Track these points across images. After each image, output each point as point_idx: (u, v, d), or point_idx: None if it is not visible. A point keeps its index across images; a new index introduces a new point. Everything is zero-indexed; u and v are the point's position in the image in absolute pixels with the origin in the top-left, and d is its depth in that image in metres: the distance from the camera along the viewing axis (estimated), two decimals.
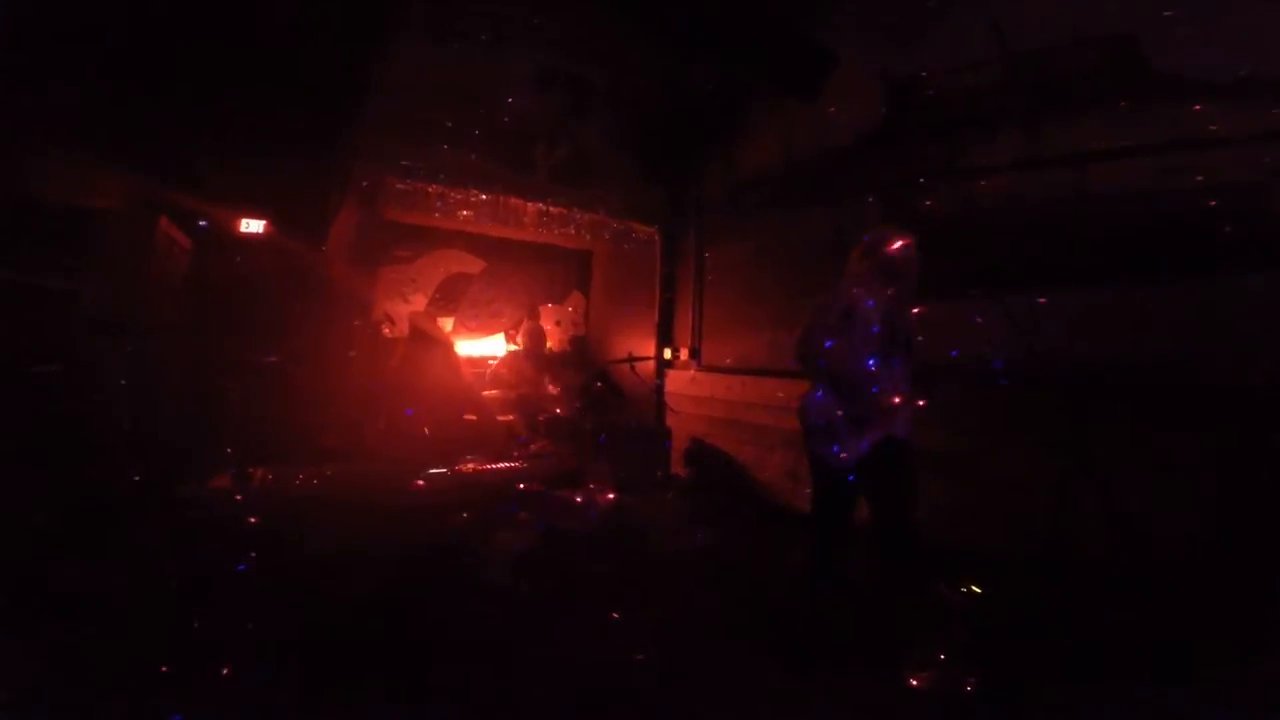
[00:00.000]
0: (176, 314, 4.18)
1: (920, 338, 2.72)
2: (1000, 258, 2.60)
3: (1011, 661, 2.46)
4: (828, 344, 2.70)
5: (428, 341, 5.38)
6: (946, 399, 2.68)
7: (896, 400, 2.59)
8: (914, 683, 2.41)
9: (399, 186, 5.24)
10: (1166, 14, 3.11)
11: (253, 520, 3.27)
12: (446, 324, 6.73)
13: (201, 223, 4.43)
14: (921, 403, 2.59)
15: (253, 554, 3.04)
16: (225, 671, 2.25)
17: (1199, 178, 2.99)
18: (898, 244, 2.65)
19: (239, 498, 3.51)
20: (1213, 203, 2.92)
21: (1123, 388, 2.91)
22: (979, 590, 3.01)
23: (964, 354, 2.86)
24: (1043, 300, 2.55)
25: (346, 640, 2.57)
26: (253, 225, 4.59)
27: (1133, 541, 2.61)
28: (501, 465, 4.61)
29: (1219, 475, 2.62)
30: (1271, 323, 2.20)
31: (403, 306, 6.25)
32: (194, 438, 3.74)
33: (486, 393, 5.99)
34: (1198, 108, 3.02)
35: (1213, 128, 2.98)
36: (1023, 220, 3.56)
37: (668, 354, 6.47)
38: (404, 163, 5.13)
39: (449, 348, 5.58)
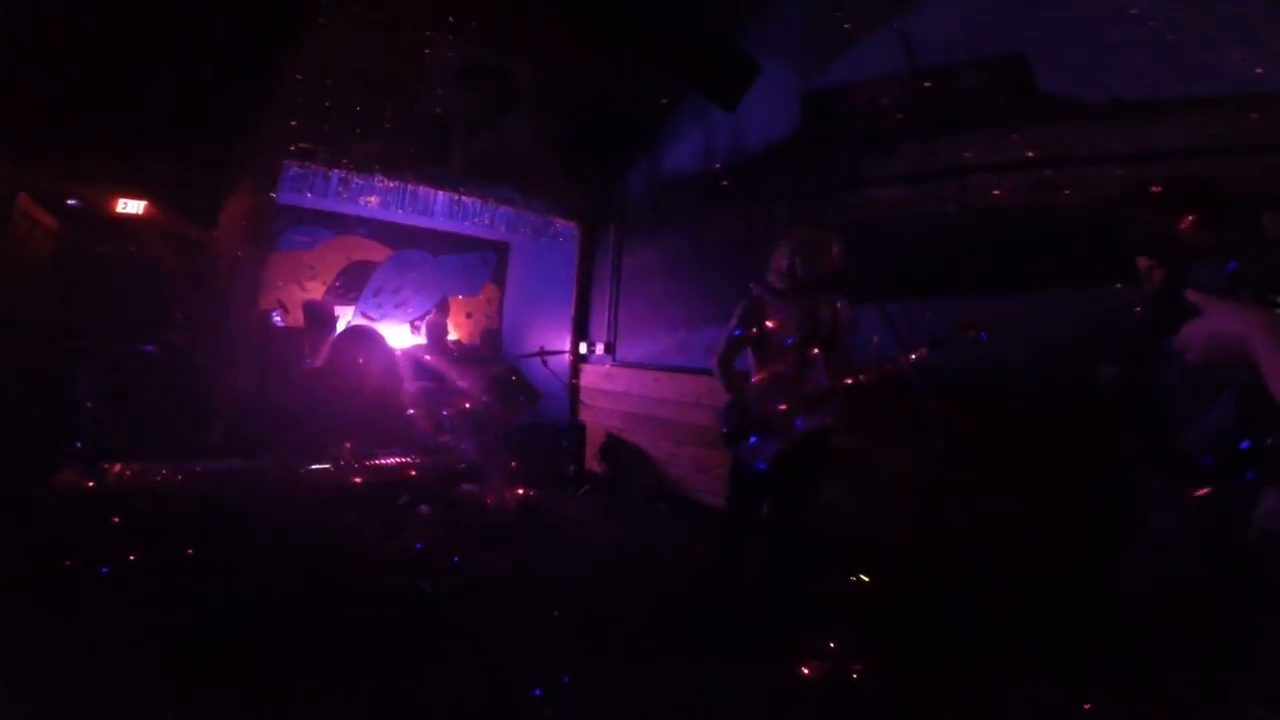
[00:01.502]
0: (36, 299, 3.79)
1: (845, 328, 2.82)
2: (888, 265, 2.73)
3: (897, 649, 2.58)
4: (737, 361, 2.87)
5: (365, 339, 5.08)
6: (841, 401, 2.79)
7: (808, 402, 2.70)
8: (806, 672, 2.49)
9: (296, 170, 4.93)
10: (1052, 39, 3.36)
11: (116, 520, 3.01)
12: (346, 313, 6.41)
13: (70, 201, 4.04)
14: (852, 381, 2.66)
15: (114, 554, 2.80)
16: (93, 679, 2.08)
17: (1066, 192, 3.25)
18: (818, 241, 2.77)
19: (91, 494, 3.22)
20: (1077, 217, 3.17)
21: (987, 390, 3.14)
22: (868, 581, 3.16)
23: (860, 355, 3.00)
24: (919, 307, 2.68)
25: (222, 645, 2.40)
26: (130, 205, 4.23)
27: (988, 538, 2.83)
28: (396, 461, 4.43)
29: (1073, 476, 2.86)
30: (1124, 332, 2.41)
31: (298, 293, 5.91)
32: (49, 431, 3.41)
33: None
34: (1071, 127, 3.27)
35: (1082, 147, 3.23)
36: (910, 230, 3.76)
37: (583, 349, 6.45)
38: (303, 145, 4.83)
39: (387, 348, 5.27)
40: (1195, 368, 1.72)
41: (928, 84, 3.88)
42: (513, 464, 5.07)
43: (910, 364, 2.43)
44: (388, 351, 5.17)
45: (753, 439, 2.71)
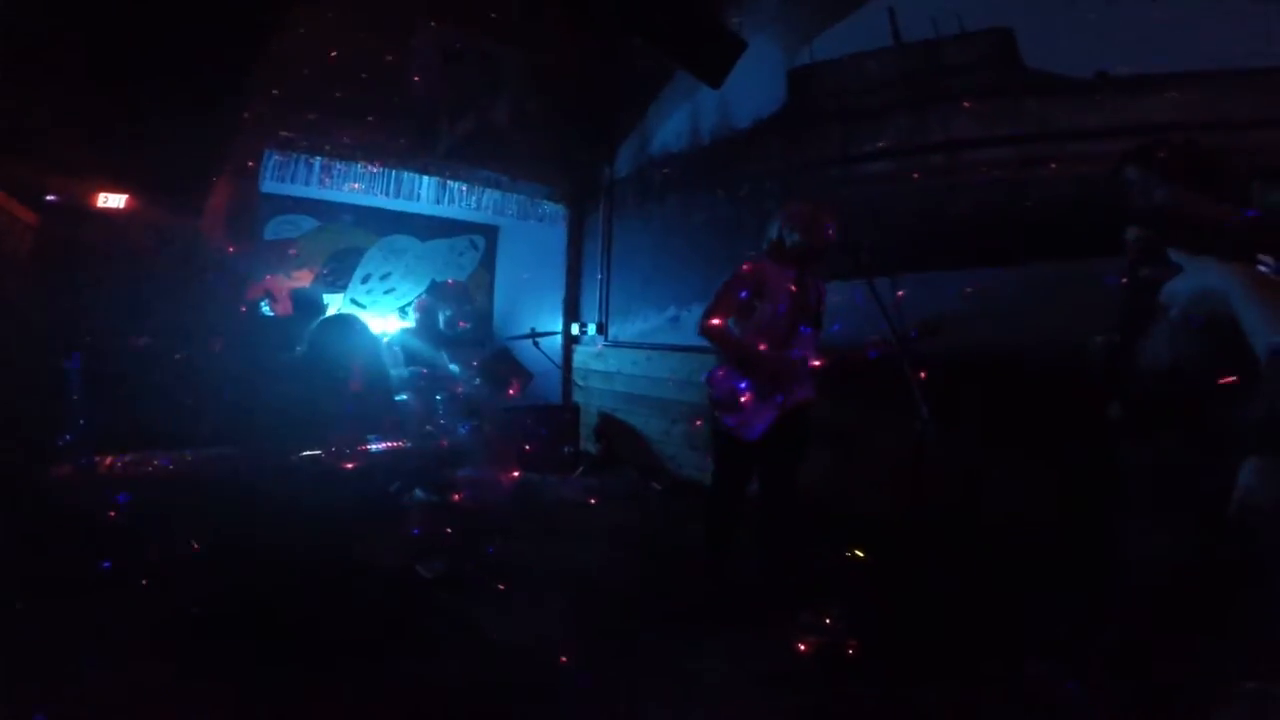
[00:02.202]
0: (15, 293, 3.76)
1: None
2: (876, 239, 2.74)
3: (893, 625, 2.61)
4: (728, 324, 2.81)
5: (343, 327, 5.03)
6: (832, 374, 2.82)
7: (800, 371, 2.73)
8: (801, 647, 2.53)
9: (278, 158, 4.88)
10: (1036, 13, 3.33)
11: (112, 514, 3.01)
12: (335, 300, 6.38)
13: (49, 197, 3.98)
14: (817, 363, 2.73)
15: (112, 547, 2.81)
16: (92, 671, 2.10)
17: (1054, 167, 3.24)
18: (814, 216, 2.78)
19: (84, 486, 3.23)
20: (1065, 191, 3.17)
21: (975, 366, 3.16)
22: (862, 555, 3.21)
23: (845, 330, 3.03)
24: (907, 282, 2.70)
25: (217, 634, 2.43)
26: (112, 199, 4.17)
27: (977, 513, 2.86)
28: (391, 445, 4.43)
29: (1062, 449, 2.89)
30: (1111, 302, 2.43)
31: (286, 282, 5.86)
32: (36, 424, 3.39)
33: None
34: (1058, 102, 3.26)
35: (1070, 121, 3.23)
36: (898, 205, 3.76)
37: (575, 329, 6.45)
38: (285, 134, 4.77)
39: (369, 335, 5.23)
40: (1178, 325, 1.74)
41: (915, 57, 3.85)
42: (505, 446, 5.09)
43: (874, 354, 2.46)
44: (370, 339, 5.13)
45: (737, 415, 2.72)
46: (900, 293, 2.45)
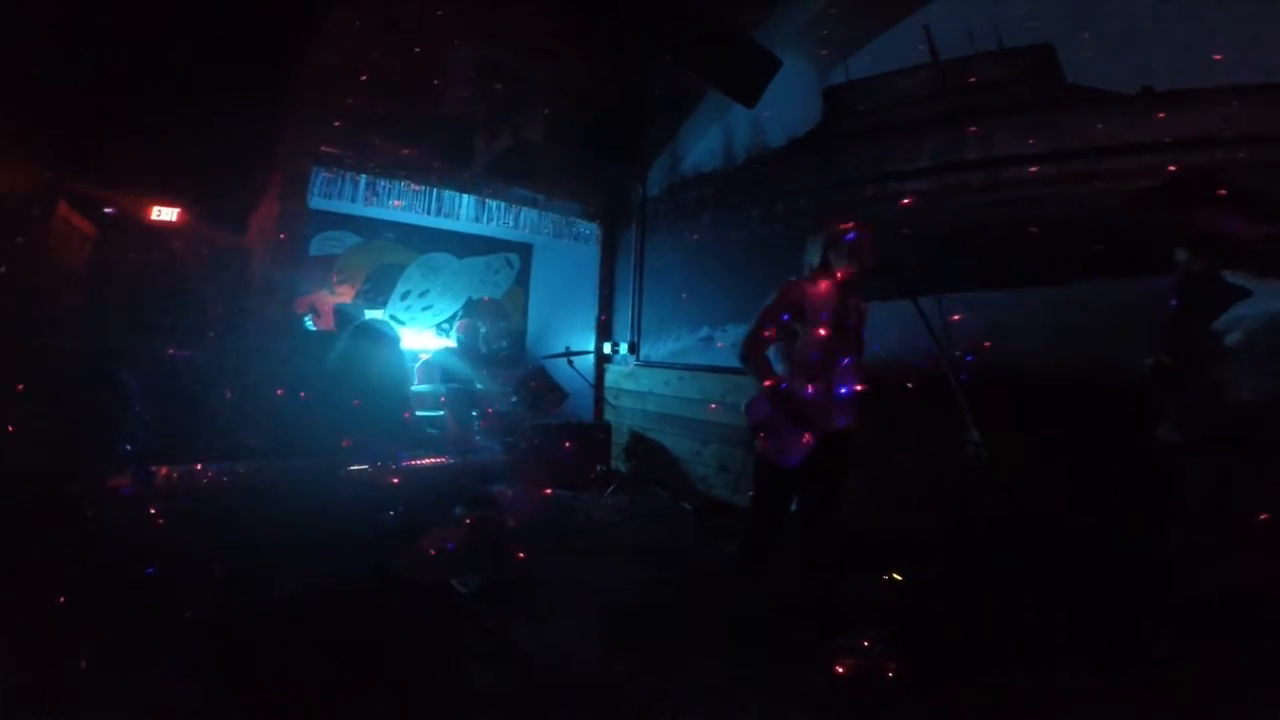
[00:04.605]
0: (76, 305, 3.92)
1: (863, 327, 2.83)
2: (917, 258, 2.71)
3: (932, 648, 2.55)
4: (766, 355, 2.80)
5: (374, 336, 5.15)
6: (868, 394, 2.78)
7: (844, 399, 2.68)
8: (840, 670, 2.48)
9: (325, 175, 5.05)
10: (1077, 27, 3.30)
11: (161, 522, 3.10)
12: (378, 315, 6.52)
13: (107, 209, 4.17)
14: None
15: (161, 557, 2.88)
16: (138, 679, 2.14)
17: (1097, 183, 3.18)
18: (856, 234, 2.74)
19: (141, 497, 3.33)
20: (1109, 208, 3.10)
21: (1019, 384, 3.09)
22: (901, 579, 3.14)
23: (885, 350, 2.98)
24: (953, 301, 2.65)
25: (268, 643, 2.46)
26: (166, 213, 4.35)
27: (1025, 531, 2.78)
28: (432, 461, 4.49)
29: (1104, 466, 2.80)
30: (1159, 322, 2.37)
31: (329, 298, 6.01)
32: (91, 435, 3.52)
33: (416, 388, 5.85)
34: (1100, 117, 3.21)
35: (1112, 137, 3.17)
36: (939, 222, 3.71)
37: (607, 349, 6.48)
38: (330, 151, 4.94)
39: (396, 343, 5.35)
40: (1238, 347, 1.69)
41: (952, 74, 3.83)
42: (539, 464, 5.11)
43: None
44: (396, 350, 5.22)
45: (785, 434, 2.68)
46: (956, 316, 2.41)
